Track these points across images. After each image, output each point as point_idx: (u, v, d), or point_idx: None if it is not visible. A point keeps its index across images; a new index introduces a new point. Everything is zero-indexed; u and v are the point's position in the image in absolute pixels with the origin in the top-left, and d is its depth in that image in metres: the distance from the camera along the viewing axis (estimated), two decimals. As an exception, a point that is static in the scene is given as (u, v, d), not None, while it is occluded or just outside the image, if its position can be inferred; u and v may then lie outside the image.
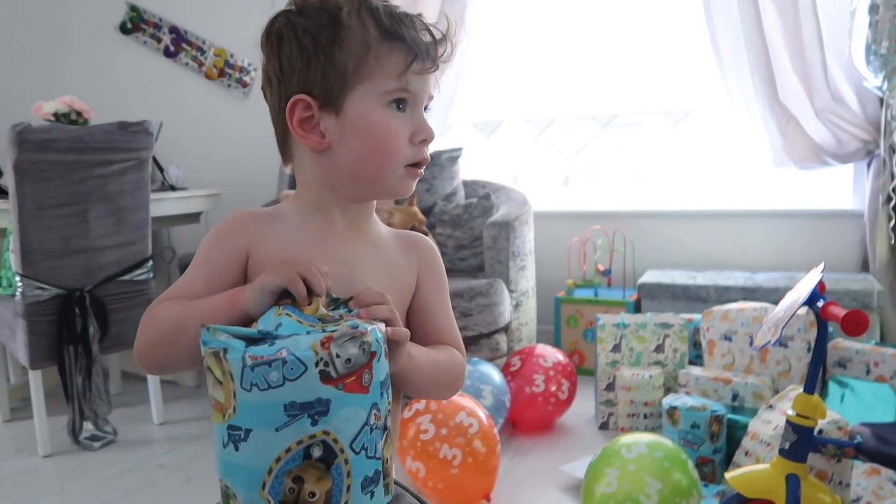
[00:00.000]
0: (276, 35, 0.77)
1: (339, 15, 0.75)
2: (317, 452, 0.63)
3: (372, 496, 0.67)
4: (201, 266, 0.78)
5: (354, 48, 0.75)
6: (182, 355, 0.73)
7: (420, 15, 0.80)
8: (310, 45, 0.75)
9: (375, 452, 0.67)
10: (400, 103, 0.77)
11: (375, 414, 0.66)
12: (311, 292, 0.69)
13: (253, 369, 0.62)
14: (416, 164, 0.80)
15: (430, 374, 0.80)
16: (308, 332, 0.64)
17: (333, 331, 0.64)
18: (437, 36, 0.78)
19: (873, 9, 2.34)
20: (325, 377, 0.63)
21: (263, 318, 0.68)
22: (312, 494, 0.63)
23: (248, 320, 0.70)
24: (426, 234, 2.40)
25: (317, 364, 0.62)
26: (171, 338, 0.73)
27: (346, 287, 0.75)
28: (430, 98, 0.81)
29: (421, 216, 2.42)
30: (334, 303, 0.71)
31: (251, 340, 0.64)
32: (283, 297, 0.69)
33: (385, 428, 0.68)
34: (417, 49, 0.76)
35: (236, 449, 0.64)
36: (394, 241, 0.87)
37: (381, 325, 0.68)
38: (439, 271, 0.88)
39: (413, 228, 2.37)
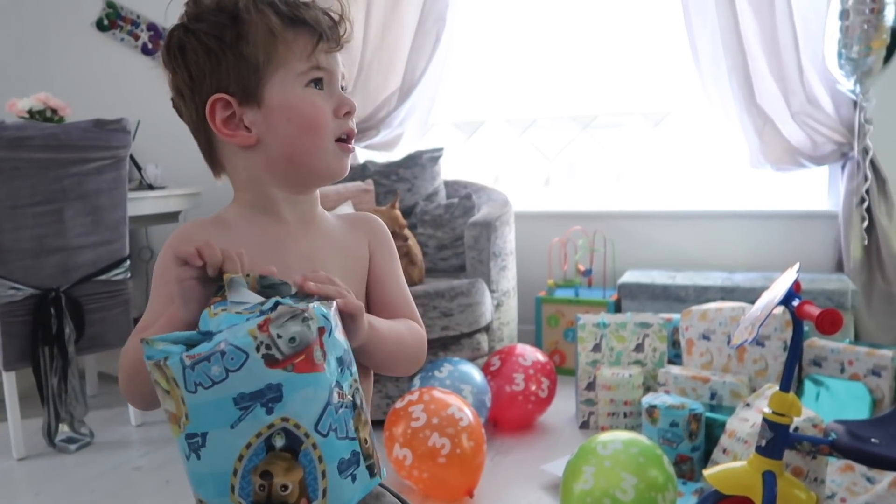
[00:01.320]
0: (178, 46, 0.78)
1: (237, 11, 0.76)
2: (279, 442, 0.59)
3: (354, 479, 0.63)
4: (159, 291, 0.78)
5: (261, 39, 0.76)
6: (150, 388, 0.72)
7: (314, 0, 0.81)
8: (215, 46, 0.76)
9: (347, 433, 0.63)
10: (317, 83, 0.79)
11: (339, 392, 0.63)
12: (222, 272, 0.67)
13: (193, 368, 0.58)
14: (346, 139, 0.82)
15: (394, 345, 0.80)
16: (248, 320, 0.61)
17: (273, 310, 0.61)
18: (336, 18, 0.80)
19: (843, 14, 2.39)
20: (270, 361, 0.59)
21: (202, 323, 0.65)
22: (285, 487, 0.60)
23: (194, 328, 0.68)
24: (406, 239, 2.39)
25: (258, 349, 0.59)
26: (136, 374, 0.72)
27: None
28: (343, 77, 0.83)
29: (402, 221, 2.42)
30: (270, 288, 0.68)
31: (192, 344, 0.61)
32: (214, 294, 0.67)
33: (354, 406, 0.65)
34: (321, 29, 0.78)
35: (198, 458, 0.60)
36: (343, 225, 0.89)
37: (330, 302, 0.66)
38: (388, 244, 0.91)
39: (394, 233, 2.35)
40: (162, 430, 2.41)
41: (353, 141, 0.83)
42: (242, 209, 0.82)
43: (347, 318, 0.70)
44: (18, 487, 2.03)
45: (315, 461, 0.61)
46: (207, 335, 0.62)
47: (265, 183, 0.80)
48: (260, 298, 0.65)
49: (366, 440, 0.66)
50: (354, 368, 0.68)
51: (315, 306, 0.63)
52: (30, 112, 2.57)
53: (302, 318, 0.61)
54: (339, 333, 0.65)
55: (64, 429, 2.27)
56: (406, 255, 2.42)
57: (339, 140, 0.81)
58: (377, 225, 0.91)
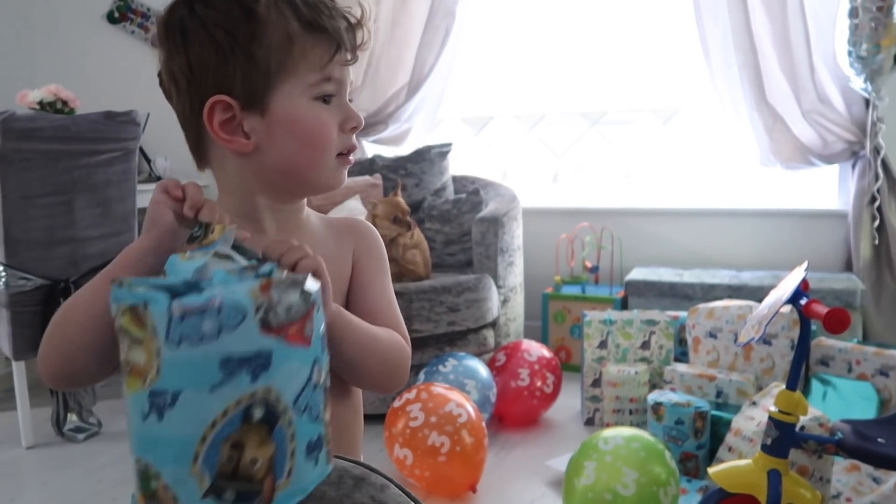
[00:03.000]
0: (180, 29, 0.72)
1: (255, 7, 0.71)
2: (258, 413, 0.56)
3: (316, 463, 0.61)
4: None
5: (277, 43, 0.71)
6: (75, 347, 0.66)
7: (334, 1, 0.77)
8: (225, 43, 0.70)
9: (319, 415, 0.61)
10: (326, 98, 0.75)
11: (317, 370, 0.61)
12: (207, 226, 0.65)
13: (182, 319, 0.53)
14: (346, 153, 0.79)
15: (365, 338, 0.75)
16: (240, 280, 0.57)
17: (270, 274, 0.58)
18: (353, 22, 0.76)
19: (852, 12, 2.37)
20: (265, 326, 0.56)
21: (172, 268, 0.60)
22: (254, 462, 0.56)
23: (154, 269, 0.66)
24: (410, 225, 2.39)
25: (256, 311, 0.55)
26: (69, 320, 0.67)
27: None
28: (351, 84, 0.79)
29: (405, 206, 2.41)
30: (240, 250, 0.64)
31: (174, 292, 0.56)
32: (188, 240, 0.65)
33: (325, 388, 0.63)
34: (339, 40, 0.74)
35: (160, 418, 0.54)
36: (328, 233, 0.85)
37: (315, 279, 0.63)
38: (377, 252, 0.86)
39: (396, 219, 2.36)
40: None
41: (352, 154, 0.80)
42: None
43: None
44: (27, 476, 2.05)
45: (287, 439, 0.58)
46: (194, 286, 0.56)
47: (253, 191, 0.77)
48: (245, 261, 0.62)
49: (328, 425, 0.64)
50: (328, 352, 0.66)
51: (308, 276, 0.60)
52: (40, 104, 2.59)
53: (301, 289, 0.58)
54: (322, 311, 0.63)
55: (72, 418, 2.29)
56: (416, 246, 2.43)
57: (338, 154, 0.78)
58: (367, 232, 0.87)
